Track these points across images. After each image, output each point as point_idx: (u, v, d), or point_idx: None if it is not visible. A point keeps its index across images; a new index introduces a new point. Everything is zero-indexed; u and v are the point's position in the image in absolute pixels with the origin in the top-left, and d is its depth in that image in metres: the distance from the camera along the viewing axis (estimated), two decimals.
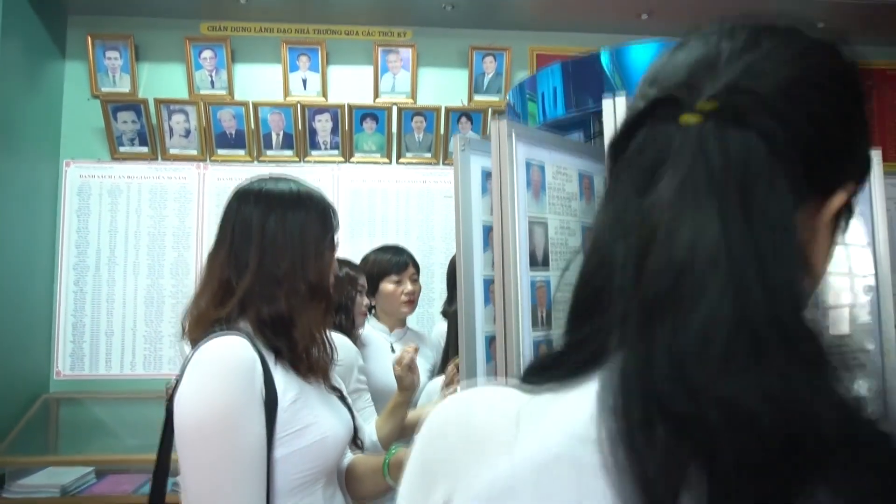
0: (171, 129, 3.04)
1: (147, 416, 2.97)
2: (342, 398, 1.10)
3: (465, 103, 3.19)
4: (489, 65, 3.18)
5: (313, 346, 1.02)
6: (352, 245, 3.10)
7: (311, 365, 1.01)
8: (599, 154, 1.13)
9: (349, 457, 1.18)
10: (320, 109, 3.07)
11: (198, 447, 0.88)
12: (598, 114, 1.23)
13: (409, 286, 2.10)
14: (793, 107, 0.41)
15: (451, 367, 1.55)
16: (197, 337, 0.99)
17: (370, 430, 1.49)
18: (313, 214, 1.07)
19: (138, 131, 3.02)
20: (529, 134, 0.99)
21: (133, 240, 3.05)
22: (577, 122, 1.30)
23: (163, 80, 3.10)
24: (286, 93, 3.11)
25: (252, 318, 0.98)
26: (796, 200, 0.39)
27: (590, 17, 3.18)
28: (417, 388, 1.45)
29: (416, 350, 1.55)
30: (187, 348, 1.03)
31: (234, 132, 3.07)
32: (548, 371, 0.44)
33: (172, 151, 3.07)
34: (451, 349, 1.95)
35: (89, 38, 2.99)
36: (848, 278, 1.14)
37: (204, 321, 0.98)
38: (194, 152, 3.08)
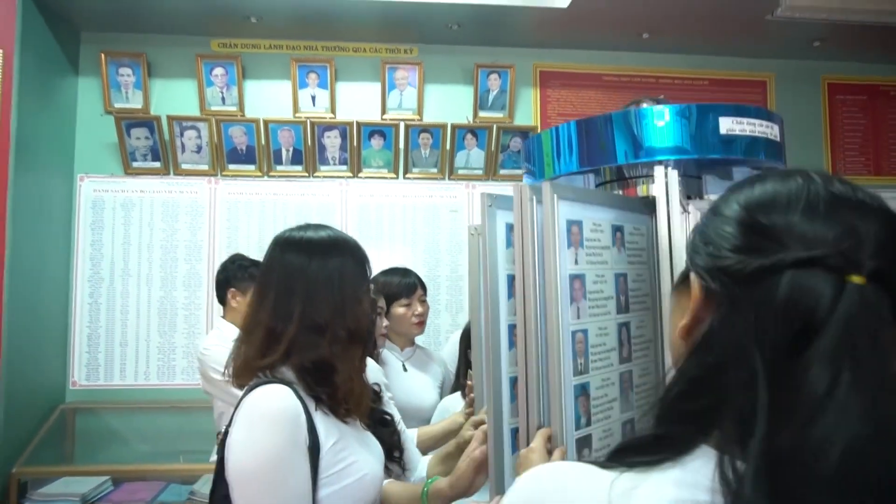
0: (183, 145, 3.10)
1: (160, 425, 3.07)
2: (384, 423, 1.17)
3: (471, 120, 3.26)
4: (494, 82, 3.26)
5: (352, 390, 1.09)
6: None
7: (350, 409, 1.08)
8: (626, 204, 1.21)
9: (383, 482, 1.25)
10: (329, 126, 3.14)
11: (250, 491, 0.96)
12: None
13: (419, 308, 2.18)
14: None
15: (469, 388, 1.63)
16: (243, 382, 1.06)
17: (421, 466, 1.51)
18: (350, 261, 1.13)
19: (151, 147, 3.09)
20: (572, 194, 1.07)
21: (146, 252, 3.12)
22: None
23: (174, 97, 3.16)
24: (295, 109, 3.18)
25: (295, 365, 1.05)
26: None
27: (592, 36, 3.26)
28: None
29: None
30: (234, 389, 1.10)
31: (244, 148, 3.14)
32: (637, 454, 0.53)
33: (184, 166, 3.14)
34: (464, 369, 2.04)
35: (103, 56, 3.05)
36: None
37: (250, 368, 1.05)
38: (205, 167, 3.15)
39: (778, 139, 1.23)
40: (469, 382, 1.62)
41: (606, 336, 1.12)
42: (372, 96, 3.24)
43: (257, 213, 3.19)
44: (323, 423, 1.05)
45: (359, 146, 3.17)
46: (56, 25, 2.93)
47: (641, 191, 1.37)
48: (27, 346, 2.71)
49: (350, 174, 3.23)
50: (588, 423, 1.08)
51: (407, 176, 3.26)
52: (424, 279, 2.30)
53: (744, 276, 0.51)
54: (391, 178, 3.25)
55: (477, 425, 1.26)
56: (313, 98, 3.19)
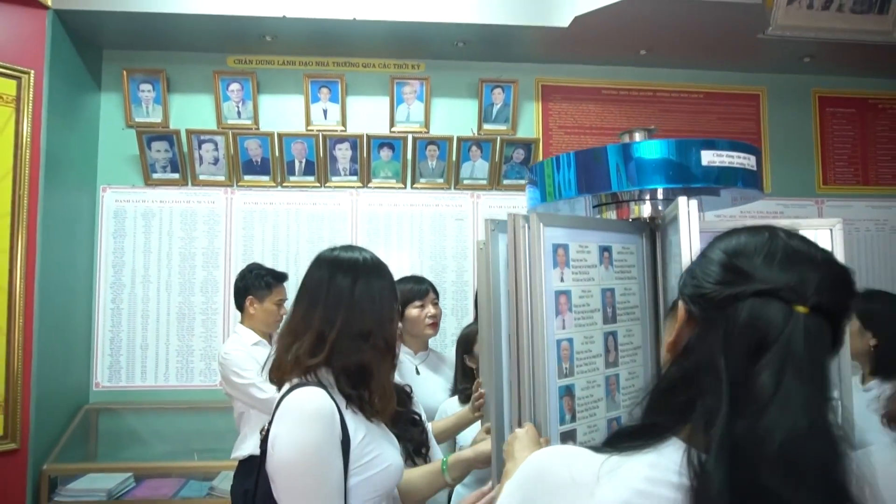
0: (200, 157, 3.25)
1: (179, 424, 3.22)
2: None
3: (475, 132, 3.41)
4: (497, 96, 3.41)
5: (384, 394, 1.24)
6: None
7: (376, 410, 1.23)
8: (615, 226, 1.36)
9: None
10: (340, 139, 3.29)
11: (292, 480, 1.10)
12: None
13: (431, 310, 2.32)
14: (843, 309, 0.68)
15: (475, 395, 1.77)
16: (287, 378, 1.20)
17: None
18: (388, 284, 1.29)
19: (170, 159, 3.24)
20: (557, 221, 1.22)
21: (165, 260, 3.28)
22: None
23: (192, 111, 3.32)
24: (308, 122, 3.33)
25: (338, 367, 1.20)
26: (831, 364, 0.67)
27: (592, 52, 3.40)
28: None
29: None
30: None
31: (259, 159, 3.29)
32: (625, 440, 0.68)
33: (202, 178, 3.29)
34: (461, 374, 2.18)
35: (124, 73, 3.20)
36: None
37: (301, 366, 1.20)
38: (222, 178, 3.30)
39: (755, 168, 1.38)
40: (480, 391, 1.76)
41: (592, 343, 1.27)
42: (381, 110, 3.39)
43: (271, 221, 3.34)
44: (352, 420, 1.19)
45: (368, 157, 3.32)
46: (80, 45, 3.08)
47: (634, 212, 1.52)
48: (54, 349, 2.86)
49: (360, 184, 3.38)
50: (573, 420, 1.23)
51: (414, 186, 3.40)
52: None
53: (717, 301, 0.67)
54: (399, 188, 3.40)
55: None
56: (325, 112, 3.34)
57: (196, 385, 3.24)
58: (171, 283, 3.27)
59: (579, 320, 1.24)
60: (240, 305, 2.49)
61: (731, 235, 0.74)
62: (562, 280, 1.24)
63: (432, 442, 1.71)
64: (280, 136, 3.24)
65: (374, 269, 1.28)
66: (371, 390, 1.22)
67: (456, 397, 2.18)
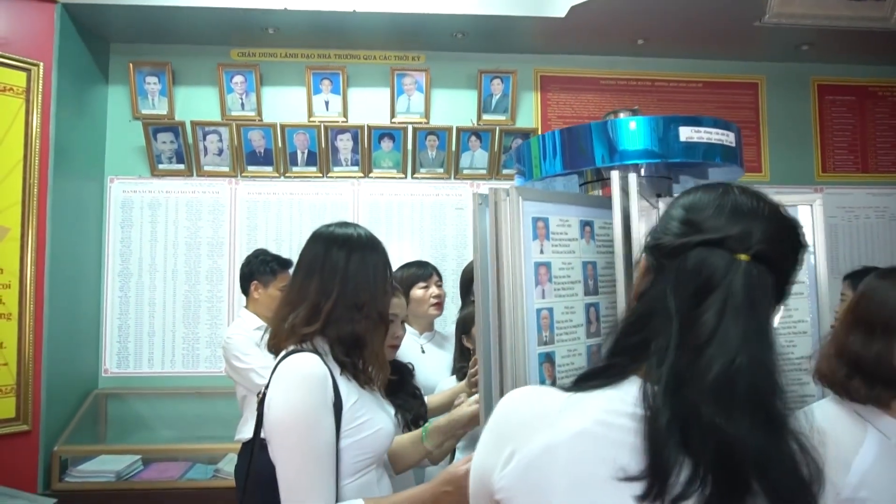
0: (205, 148, 3.32)
1: (184, 409, 3.30)
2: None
3: (475, 122, 3.45)
4: (496, 87, 3.45)
5: (376, 363, 1.29)
6: None
7: (370, 378, 1.29)
8: (595, 202, 1.40)
9: None
10: (342, 129, 3.34)
11: (287, 440, 1.16)
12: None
13: (435, 290, 2.38)
14: (787, 260, 0.73)
15: (472, 370, 1.83)
16: (284, 346, 1.26)
17: None
18: (382, 257, 1.34)
19: (176, 150, 3.31)
20: (536, 195, 1.26)
21: (171, 249, 3.35)
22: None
23: (197, 103, 3.38)
24: (310, 114, 3.39)
25: (332, 336, 1.25)
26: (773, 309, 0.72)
27: (590, 42, 3.44)
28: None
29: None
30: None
31: (262, 150, 3.35)
32: (589, 380, 0.73)
33: (206, 168, 3.36)
34: (459, 353, 2.23)
35: (131, 66, 3.27)
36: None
37: (296, 334, 1.25)
38: (226, 169, 3.37)
39: (734, 145, 1.41)
40: (473, 367, 1.81)
41: (573, 314, 1.32)
42: (381, 101, 3.44)
43: (275, 211, 3.40)
44: (345, 386, 1.25)
45: (369, 148, 3.37)
46: (88, 38, 3.16)
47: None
48: (64, 336, 2.94)
49: (361, 174, 3.43)
50: (553, 385, 1.28)
51: (415, 176, 3.45)
52: None
53: (669, 250, 0.74)
54: (400, 177, 3.45)
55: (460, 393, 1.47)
56: (327, 103, 3.40)
57: (201, 371, 3.31)
58: (177, 271, 3.35)
59: (559, 291, 1.28)
60: (245, 290, 2.55)
61: (690, 193, 0.79)
62: (541, 252, 1.29)
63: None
64: (283, 127, 3.30)
65: (368, 243, 1.33)
66: (364, 359, 1.28)
67: (454, 376, 2.23)
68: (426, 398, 1.95)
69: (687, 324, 0.68)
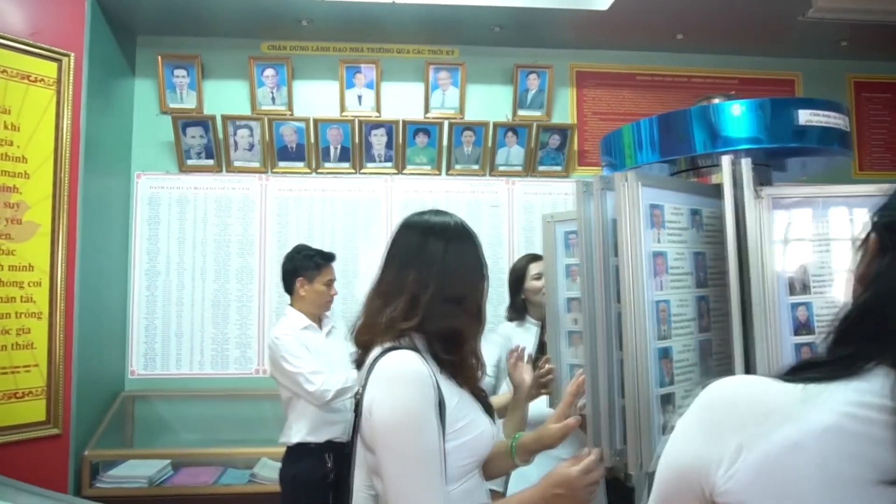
0: (235, 143, 3.23)
1: (213, 412, 3.20)
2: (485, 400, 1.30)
3: (510, 118, 3.38)
4: (532, 82, 3.38)
5: (474, 360, 1.21)
6: None
7: (472, 376, 1.21)
8: (703, 190, 1.33)
9: None
10: (376, 124, 3.26)
11: (395, 442, 1.07)
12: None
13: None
14: None
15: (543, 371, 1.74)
16: (379, 341, 1.17)
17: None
18: (478, 248, 1.25)
19: (205, 145, 3.22)
20: (654, 181, 1.19)
21: (200, 247, 3.25)
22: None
23: (226, 97, 3.30)
24: (342, 108, 3.30)
25: (431, 332, 1.16)
26: None
27: (629, 37, 3.37)
28: (525, 384, 1.63)
29: (522, 350, 1.72)
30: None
31: (294, 146, 3.27)
32: (813, 370, 0.65)
33: (236, 164, 3.27)
34: (538, 349, 2.16)
35: (159, 58, 3.18)
36: None
37: (395, 329, 1.17)
38: (257, 164, 3.28)
39: (847, 129, 1.35)
40: (548, 366, 1.72)
41: (686, 307, 1.25)
42: (415, 96, 3.36)
43: (306, 208, 3.32)
44: (445, 385, 1.16)
45: (404, 144, 3.29)
46: (116, 29, 3.07)
47: (715, 179, 1.50)
48: (93, 336, 2.84)
49: (395, 171, 3.35)
50: (671, 382, 1.21)
51: (449, 172, 3.38)
52: None
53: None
54: (434, 174, 3.37)
55: (560, 418, 1.36)
56: (359, 98, 3.32)
57: (231, 373, 3.22)
58: (206, 270, 3.25)
59: (674, 282, 1.21)
60: (289, 288, 2.46)
61: None
62: (658, 241, 1.21)
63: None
64: (316, 121, 3.22)
65: (464, 233, 1.25)
66: (463, 356, 1.20)
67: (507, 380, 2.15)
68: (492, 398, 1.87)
69: None
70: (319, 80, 3.34)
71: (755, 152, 1.43)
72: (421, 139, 3.30)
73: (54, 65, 2.68)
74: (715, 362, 1.32)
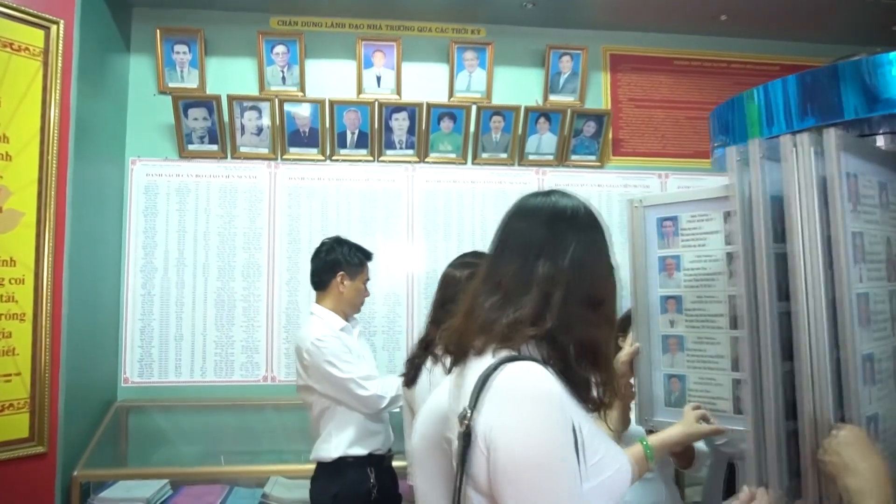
0: (242, 127, 2.93)
1: (216, 424, 2.89)
2: None
3: (540, 103, 3.12)
4: (566, 64, 3.13)
5: (613, 382, 0.95)
6: (426, 247, 3.03)
7: (609, 401, 0.94)
8: (890, 161, 1.08)
9: None
10: (398, 108, 2.98)
11: (533, 480, 0.81)
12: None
13: None
14: None
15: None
16: (509, 346, 0.90)
17: None
18: (607, 239, 1.00)
19: (209, 129, 2.91)
20: (853, 145, 0.93)
21: (202, 241, 2.94)
22: None
23: (231, 76, 2.99)
24: (359, 90, 3.02)
25: (564, 342, 0.90)
26: None
27: (668, 18, 3.14)
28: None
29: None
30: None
31: (307, 130, 2.97)
32: None
33: (243, 150, 2.97)
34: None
35: (158, 32, 2.87)
36: None
37: (519, 335, 0.90)
38: (265, 150, 2.98)
39: None
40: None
41: (882, 303, 0.99)
42: (438, 77, 3.09)
43: (319, 199, 3.02)
44: (573, 409, 0.90)
45: (427, 129, 3.02)
46: (110, 1, 2.74)
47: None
48: (83, 342, 2.51)
49: (416, 159, 3.07)
50: (870, 401, 0.95)
51: (476, 161, 3.11)
52: None
53: None
54: (459, 163, 3.10)
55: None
56: (378, 79, 3.03)
57: (237, 380, 2.91)
58: (209, 266, 2.94)
59: (871, 273, 0.95)
60: (324, 282, 2.15)
61: None
62: (855, 220, 0.95)
63: None
64: (332, 103, 2.93)
65: (595, 222, 1.00)
66: (601, 375, 0.94)
67: None
68: None
69: None
70: (334, 58, 3.05)
71: None
72: (446, 124, 3.03)
73: (41, 32, 2.35)
74: None
